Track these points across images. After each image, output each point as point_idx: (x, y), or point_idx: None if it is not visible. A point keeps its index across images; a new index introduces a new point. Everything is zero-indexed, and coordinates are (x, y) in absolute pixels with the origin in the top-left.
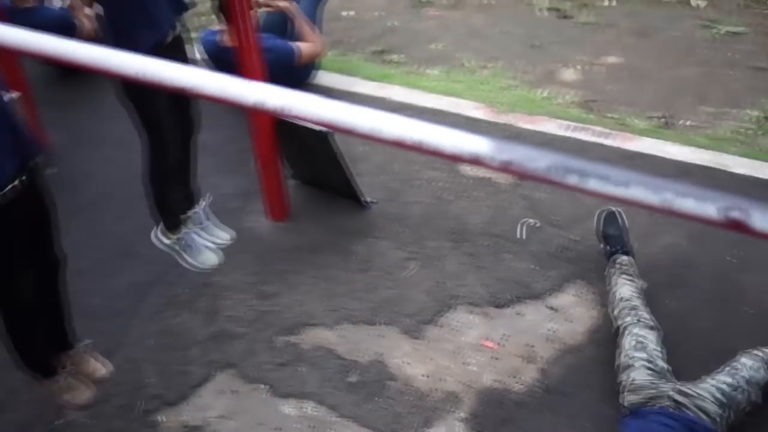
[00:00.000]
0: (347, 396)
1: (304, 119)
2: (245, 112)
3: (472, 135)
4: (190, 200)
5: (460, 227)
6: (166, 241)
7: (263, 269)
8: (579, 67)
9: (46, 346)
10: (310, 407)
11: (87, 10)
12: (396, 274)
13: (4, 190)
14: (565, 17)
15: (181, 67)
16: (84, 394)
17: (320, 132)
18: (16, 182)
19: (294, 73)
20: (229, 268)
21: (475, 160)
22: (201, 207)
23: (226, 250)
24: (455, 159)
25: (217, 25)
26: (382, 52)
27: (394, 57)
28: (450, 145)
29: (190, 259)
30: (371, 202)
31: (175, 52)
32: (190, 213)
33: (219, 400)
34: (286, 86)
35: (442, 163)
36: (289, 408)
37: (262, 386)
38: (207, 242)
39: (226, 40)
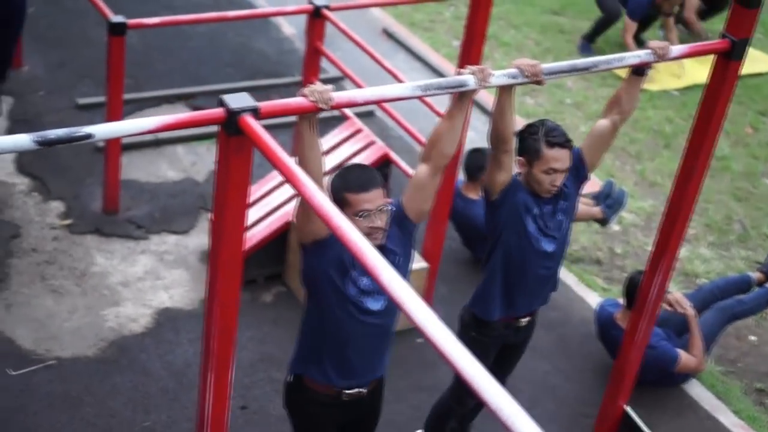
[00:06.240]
0: None
1: None
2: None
3: None
4: None
5: None
6: None
7: None
8: None
9: None
10: None
11: None
12: None
13: (349, 394)
14: None
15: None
16: None
17: None
18: (363, 390)
19: (668, 376)
20: None
21: None
22: None
23: None
24: None
25: (621, 299)
26: (764, 392)
27: None
28: None
29: None
30: None
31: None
32: None
33: None
34: (656, 382)
35: None
36: None
37: None
38: None
39: (621, 319)
